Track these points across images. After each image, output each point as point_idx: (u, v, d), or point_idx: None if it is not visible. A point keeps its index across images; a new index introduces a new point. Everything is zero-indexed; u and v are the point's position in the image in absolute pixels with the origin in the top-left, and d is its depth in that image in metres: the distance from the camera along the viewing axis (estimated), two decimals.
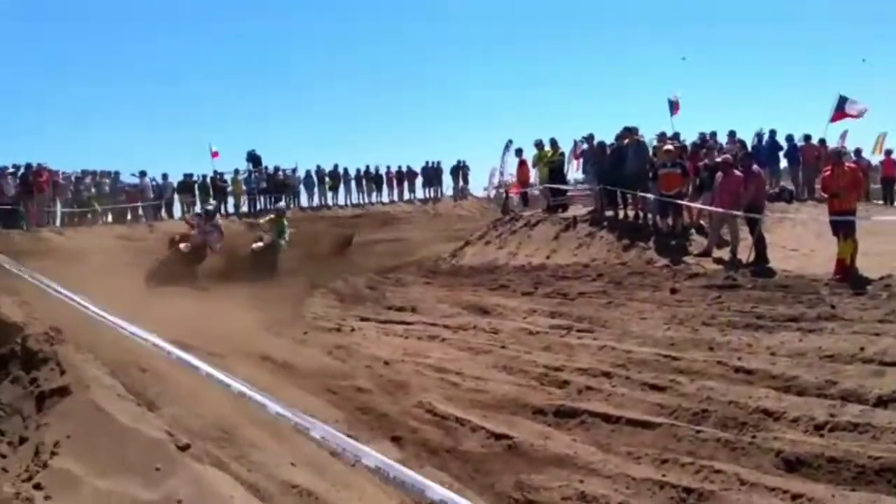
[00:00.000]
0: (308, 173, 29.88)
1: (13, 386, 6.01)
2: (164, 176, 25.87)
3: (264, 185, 27.84)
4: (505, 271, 15.76)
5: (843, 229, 11.34)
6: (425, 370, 8.04)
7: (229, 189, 27.36)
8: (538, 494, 5.06)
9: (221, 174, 27.24)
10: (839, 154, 12.30)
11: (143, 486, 4.44)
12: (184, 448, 4.82)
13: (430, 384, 7.51)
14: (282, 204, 21.07)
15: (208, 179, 26.66)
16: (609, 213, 16.75)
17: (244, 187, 27.72)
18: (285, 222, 16.67)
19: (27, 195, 21.16)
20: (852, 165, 12.42)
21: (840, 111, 21.13)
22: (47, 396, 5.74)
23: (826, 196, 12.24)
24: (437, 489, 2.85)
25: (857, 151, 23.65)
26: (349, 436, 4.12)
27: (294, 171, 29.58)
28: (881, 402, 5.94)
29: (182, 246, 14.02)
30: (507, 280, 14.32)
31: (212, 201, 10.59)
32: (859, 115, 21.59)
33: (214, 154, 27.24)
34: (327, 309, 12.36)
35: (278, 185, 28.26)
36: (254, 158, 28.40)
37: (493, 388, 7.30)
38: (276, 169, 28.74)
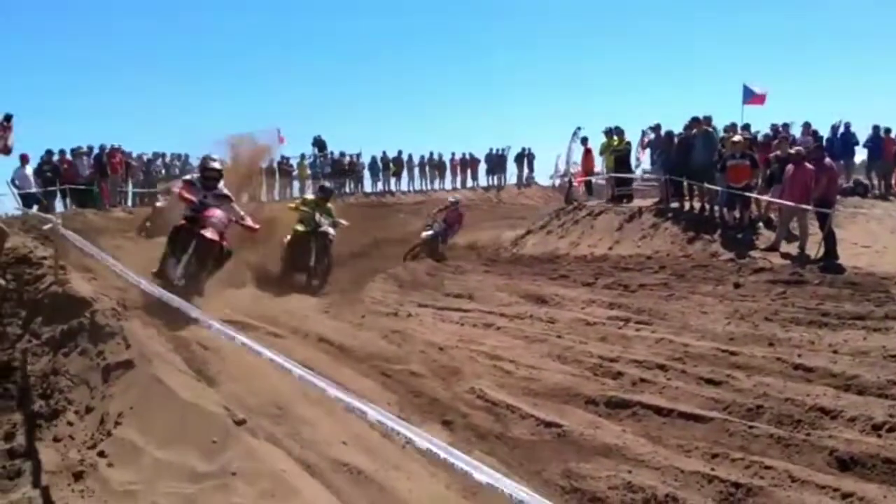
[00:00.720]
0: (373, 159, 30.23)
1: (81, 357, 6.32)
2: None
3: (329, 169, 28.26)
4: (566, 261, 15.65)
5: None
6: (479, 357, 8.09)
7: (295, 173, 27.85)
8: (585, 483, 5.08)
9: (287, 159, 27.74)
10: None
11: (200, 457, 4.65)
12: (240, 423, 5.03)
13: (483, 371, 7.57)
14: (327, 184, 17.58)
15: (275, 164, 27.19)
16: (675, 204, 16.48)
17: (309, 171, 28.19)
18: (331, 206, 14.01)
19: (101, 175, 21.96)
20: None
21: None
22: (112, 369, 6.05)
23: None
24: (484, 470, 2.92)
25: None
26: (401, 418, 4.22)
27: (359, 156, 29.97)
28: None
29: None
30: (568, 270, 14.23)
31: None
32: None
33: (281, 139, 27.77)
34: (386, 293, 12.50)
35: (343, 170, 28.67)
36: (319, 143, 28.86)
37: (546, 377, 7.32)
38: (342, 154, 29.17)
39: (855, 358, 7.10)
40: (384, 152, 30.61)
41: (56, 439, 5.52)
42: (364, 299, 11.97)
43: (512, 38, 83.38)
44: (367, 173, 30.35)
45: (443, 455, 3.15)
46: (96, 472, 4.85)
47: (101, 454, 5.09)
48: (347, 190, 29.62)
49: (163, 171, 24.74)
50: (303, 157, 28.28)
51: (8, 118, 8.42)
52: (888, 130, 19.56)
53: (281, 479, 4.41)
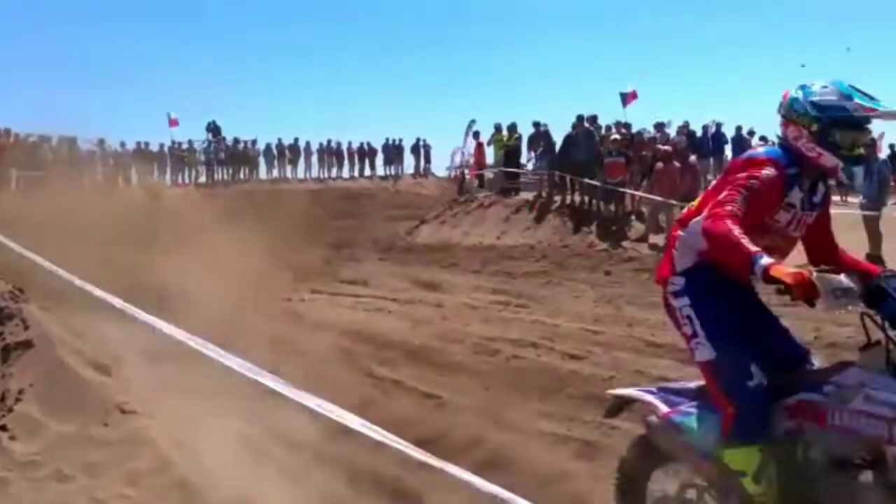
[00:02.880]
0: (268, 146, 30.09)
1: None
2: (122, 144, 25.92)
3: (223, 155, 27.99)
4: (457, 250, 16.40)
5: None
6: (368, 339, 8.68)
7: (187, 158, 27.49)
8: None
9: (180, 143, 27.28)
10: None
11: (101, 428, 5.02)
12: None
13: (371, 351, 8.16)
14: None
15: (166, 148, 26.74)
16: (558, 198, 17.50)
17: (202, 158, 27.82)
18: None
19: None
20: None
21: None
22: (12, 349, 6.28)
23: None
24: (354, 419, 3.50)
25: None
26: None
27: (254, 142, 29.75)
28: None
29: None
30: (458, 258, 14.98)
31: None
32: None
33: (173, 122, 27.31)
34: (281, 281, 12.85)
35: (237, 156, 28.46)
36: (214, 129, 28.51)
37: (430, 355, 7.99)
38: (236, 140, 28.89)
39: None
40: (280, 139, 30.52)
41: None
42: (259, 285, 12.28)
43: (410, 30, 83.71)
44: (262, 160, 30.20)
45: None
46: None
47: (3, 428, 5.34)
48: (242, 176, 29.40)
49: (49, 156, 23.93)
50: (190, 142, 27.78)
51: None
52: (752, 132, 21.25)
53: (172, 449, 4.82)
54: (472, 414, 6.28)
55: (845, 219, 11.70)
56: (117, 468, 4.64)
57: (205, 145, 28.19)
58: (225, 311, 9.89)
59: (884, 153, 22.32)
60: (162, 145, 26.75)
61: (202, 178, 27.85)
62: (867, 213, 10.97)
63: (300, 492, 4.80)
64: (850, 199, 18.81)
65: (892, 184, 15.24)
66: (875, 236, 10.82)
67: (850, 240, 11.24)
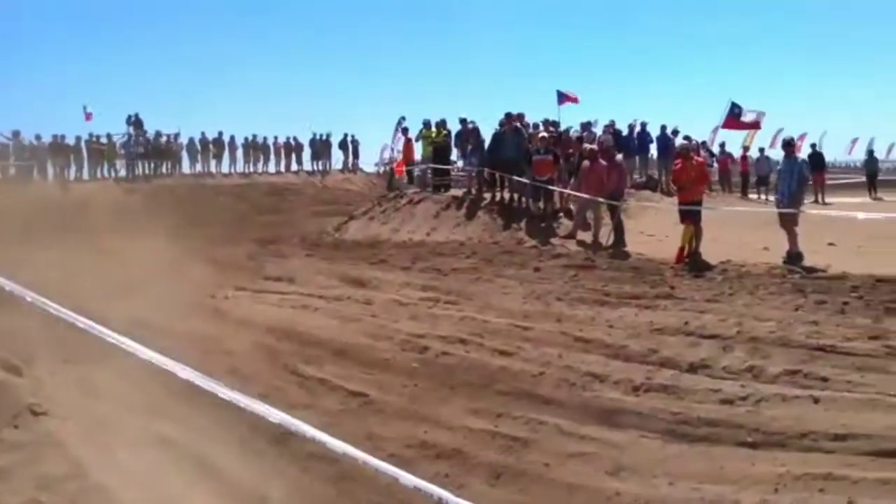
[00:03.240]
0: (191, 140, 29.29)
1: None
2: (38, 137, 24.81)
3: (142, 149, 27.10)
4: (386, 247, 16.24)
5: (691, 218, 12.44)
6: (294, 336, 8.48)
7: (106, 152, 26.47)
8: (386, 443, 5.64)
9: (98, 137, 26.30)
10: (688, 149, 13.39)
11: (10, 431, 4.75)
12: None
13: (297, 349, 7.97)
14: None
15: (83, 142, 25.72)
16: (488, 195, 17.51)
17: (122, 151, 26.89)
18: None
19: None
20: (700, 160, 13.62)
21: (733, 118, 22.78)
22: None
23: (676, 187, 13.37)
24: (275, 413, 3.36)
25: (722, 146, 25.54)
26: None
27: (176, 136, 28.90)
28: (691, 368, 6.83)
29: None
30: (388, 255, 14.82)
31: None
32: (756, 124, 23.34)
33: (88, 116, 26.35)
34: (204, 277, 12.53)
35: (159, 150, 27.62)
36: (136, 122, 27.57)
37: (357, 353, 7.84)
38: (158, 134, 28.01)
39: (626, 331, 8.14)
40: (203, 133, 29.75)
41: None
42: (181, 282, 11.95)
43: (337, 25, 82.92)
44: (185, 154, 29.38)
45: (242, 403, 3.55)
46: None
47: None
48: (164, 171, 28.55)
49: None
50: (109, 135, 26.71)
51: None
52: (675, 132, 21.75)
53: (86, 451, 4.60)
54: (400, 412, 6.19)
55: (764, 216, 12.09)
56: (28, 472, 4.40)
57: (124, 139, 27.23)
58: (144, 308, 9.57)
59: (804, 153, 23.26)
60: (79, 138, 25.66)
61: (122, 173, 26.91)
62: (786, 210, 11.28)
63: (220, 491, 4.67)
64: (769, 197, 19.49)
65: (810, 183, 15.83)
66: (793, 234, 11.14)
67: (769, 236, 11.69)
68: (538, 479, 4.91)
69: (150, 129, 27.66)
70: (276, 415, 3.50)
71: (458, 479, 5.03)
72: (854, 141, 43.77)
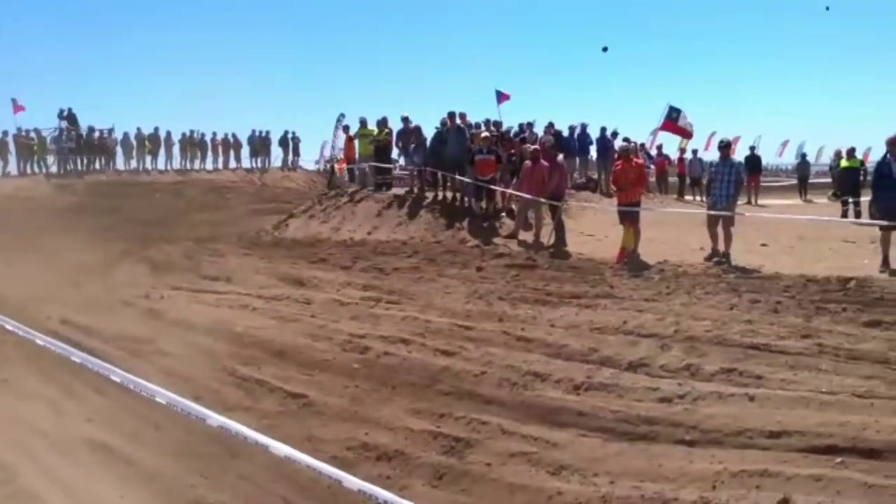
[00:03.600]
0: (126, 135, 28.49)
1: None
2: None
3: (74, 144, 26.22)
4: (326, 245, 16.05)
5: (629, 219, 12.62)
6: (232, 337, 8.29)
7: (35, 147, 25.57)
8: (326, 445, 5.54)
9: (27, 131, 25.37)
10: (628, 151, 13.58)
11: None
12: None
13: (235, 350, 7.79)
14: None
15: (10, 136, 24.78)
16: (430, 194, 17.47)
17: (53, 146, 25.99)
18: None
19: None
20: (639, 162, 13.83)
21: (670, 122, 23.18)
22: None
23: (615, 189, 13.54)
24: (216, 417, 3.25)
25: (659, 148, 26.02)
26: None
27: (111, 131, 28.08)
28: (630, 367, 6.90)
29: None
30: (328, 254, 14.65)
31: None
32: (688, 133, 23.81)
33: (19, 108, 25.39)
34: (138, 277, 12.21)
35: (93, 145, 26.78)
36: (69, 117, 26.68)
37: (297, 354, 7.71)
38: (91, 129, 27.15)
39: (567, 330, 8.19)
40: (139, 128, 28.98)
41: None
42: (114, 281, 11.64)
43: (277, 21, 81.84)
44: (119, 150, 28.55)
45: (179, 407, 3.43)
46: None
47: None
48: (98, 167, 27.71)
49: None
50: (37, 130, 25.77)
51: None
52: (615, 133, 22.07)
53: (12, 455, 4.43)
54: (341, 413, 6.10)
55: (699, 217, 12.33)
56: None
57: (55, 133, 26.32)
58: (75, 309, 9.27)
59: (739, 155, 23.86)
60: (6, 132, 24.72)
61: (53, 168, 26.02)
62: (724, 213, 11.52)
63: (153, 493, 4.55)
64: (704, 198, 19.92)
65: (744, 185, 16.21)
66: (729, 235, 11.39)
67: (704, 237, 11.94)
68: (480, 479, 4.89)
69: (83, 123, 26.85)
70: (215, 419, 3.37)
71: (400, 480, 4.98)
72: (784, 143, 45.22)
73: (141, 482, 4.83)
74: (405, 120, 18.71)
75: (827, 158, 31.81)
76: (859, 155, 19.72)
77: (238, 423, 3.88)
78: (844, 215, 16.22)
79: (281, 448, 3.12)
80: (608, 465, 4.93)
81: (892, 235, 10.16)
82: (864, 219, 10.58)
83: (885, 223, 10.18)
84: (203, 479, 4.95)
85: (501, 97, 21.59)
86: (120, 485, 4.82)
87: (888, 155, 10.58)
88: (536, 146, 15.00)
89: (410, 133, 18.24)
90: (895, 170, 10.20)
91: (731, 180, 11.75)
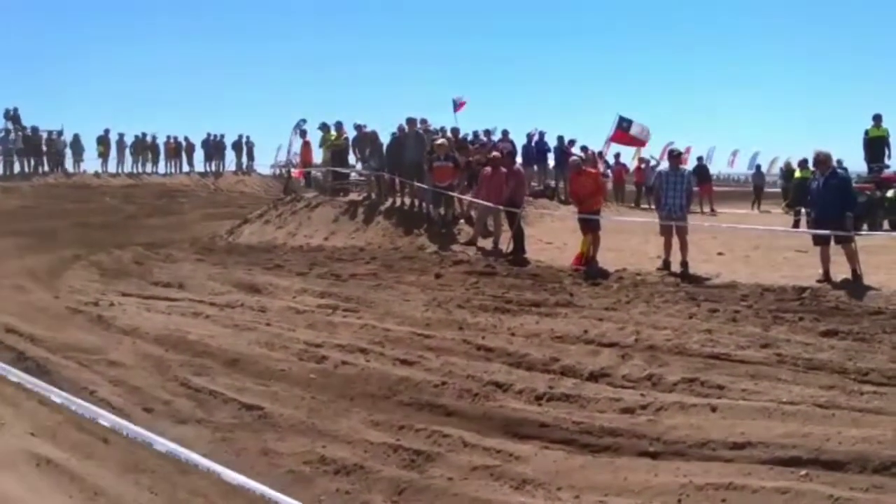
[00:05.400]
0: (76, 137, 27.78)
1: None
2: None
3: (21, 145, 25.49)
4: (282, 251, 15.84)
5: (589, 227, 12.66)
6: (183, 345, 8.04)
7: None
8: (282, 459, 5.35)
9: None
10: (579, 164, 13.65)
11: None
12: None
13: (187, 359, 7.55)
14: None
15: None
16: (388, 200, 17.35)
17: None
18: None
19: None
20: (594, 172, 13.91)
21: (622, 131, 23.40)
22: None
23: (574, 200, 13.60)
24: (162, 442, 3.07)
25: (617, 156, 26.29)
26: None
27: (60, 133, 27.37)
28: (592, 377, 6.84)
29: None
30: (283, 260, 14.45)
31: None
32: (643, 140, 24.05)
33: None
34: (86, 283, 11.82)
35: (39, 147, 26.03)
36: (14, 117, 25.93)
37: (252, 364, 7.48)
38: (35, 129, 26.37)
39: (528, 339, 8.12)
40: (88, 130, 28.32)
41: None
42: (61, 287, 11.26)
43: (233, 23, 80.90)
44: (68, 152, 27.83)
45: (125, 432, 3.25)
46: None
47: None
48: (45, 169, 26.97)
49: None
50: None
51: None
52: (572, 142, 22.21)
53: None
54: (297, 425, 5.91)
55: (656, 226, 12.41)
56: None
57: (0, 134, 25.58)
58: (18, 317, 8.91)
59: (689, 165, 24.25)
60: None
61: None
62: (678, 223, 11.61)
63: None
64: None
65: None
66: (685, 243, 11.49)
67: (661, 246, 12.00)
68: (442, 494, 4.74)
69: (29, 124, 26.16)
70: (162, 444, 3.19)
71: (359, 495, 4.80)
72: (735, 153, 46.15)
73: (87, 499, 4.59)
74: (359, 127, 18.57)
75: (778, 169, 32.54)
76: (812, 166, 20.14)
77: (187, 448, 3.72)
78: (796, 225, 16.51)
79: (233, 476, 2.95)
80: (572, 479, 4.83)
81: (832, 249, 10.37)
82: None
83: (821, 235, 10.39)
84: (152, 495, 4.71)
85: (458, 105, 21.63)
86: (65, 502, 4.58)
87: (815, 171, 10.83)
88: (497, 153, 15.01)
89: (366, 138, 18.11)
90: (822, 185, 10.41)
91: (683, 189, 11.87)
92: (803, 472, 4.58)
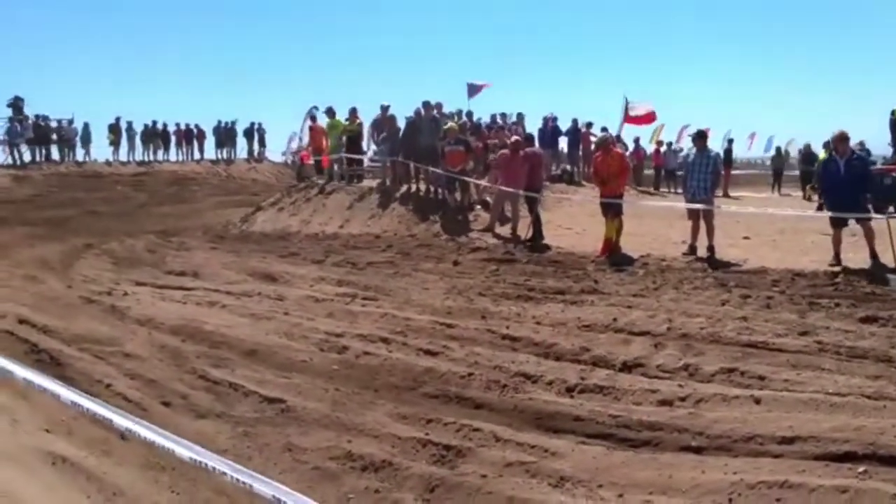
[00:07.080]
0: (86, 125, 27.62)
1: None
2: None
3: (30, 134, 25.32)
4: (297, 239, 15.64)
5: (612, 211, 12.34)
6: (200, 336, 7.82)
7: None
8: (307, 455, 5.13)
9: None
10: (608, 141, 13.31)
11: None
12: None
13: (204, 350, 7.33)
14: None
15: None
16: (403, 186, 17.11)
17: (5, 137, 25.11)
18: None
19: None
20: (619, 152, 13.56)
21: (630, 114, 23.03)
22: None
23: (597, 181, 13.27)
24: (186, 448, 2.84)
25: (636, 140, 25.88)
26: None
27: (70, 122, 27.21)
28: (625, 367, 6.58)
29: None
30: (298, 248, 14.25)
31: None
32: (648, 118, 23.62)
33: None
34: (99, 272, 11.63)
35: (48, 135, 25.88)
36: (17, 105, 25.72)
37: (271, 354, 7.26)
38: (45, 118, 26.20)
39: (554, 328, 7.87)
40: (99, 118, 28.18)
41: None
42: (74, 277, 11.07)
43: (247, 11, 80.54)
44: (79, 140, 27.69)
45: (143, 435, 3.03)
46: None
47: None
48: (56, 158, 26.84)
49: None
50: None
51: None
52: (590, 124, 21.85)
53: None
54: (322, 419, 5.69)
55: (679, 210, 12.11)
56: None
57: (7, 123, 25.43)
58: (32, 308, 8.71)
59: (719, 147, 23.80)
60: None
61: (8, 160, 25.20)
62: (705, 206, 11.31)
63: None
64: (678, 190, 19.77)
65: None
66: (711, 227, 11.20)
67: (685, 230, 11.71)
68: (476, 492, 4.50)
69: (40, 112, 26.03)
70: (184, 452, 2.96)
71: (389, 493, 4.57)
72: (752, 136, 45.53)
73: (105, 500, 4.38)
74: (384, 108, 18.31)
75: (796, 152, 31.99)
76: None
77: (216, 455, 3.50)
78: (820, 208, 16.15)
79: (266, 491, 2.71)
80: (614, 476, 4.58)
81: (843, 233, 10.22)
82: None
83: (839, 218, 10.19)
84: (173, 494, 4.51)
85: (475, 89, 21.28)
86: (82, 502, 4.38)
87: (834, 153, 10.52)
88: (518, 137, 14.72)
89: (386, 121, 17.86)
90: (842, 167, 10.11)
91: (709, 171, 11.56)
92: (861, 468, 4.31)
